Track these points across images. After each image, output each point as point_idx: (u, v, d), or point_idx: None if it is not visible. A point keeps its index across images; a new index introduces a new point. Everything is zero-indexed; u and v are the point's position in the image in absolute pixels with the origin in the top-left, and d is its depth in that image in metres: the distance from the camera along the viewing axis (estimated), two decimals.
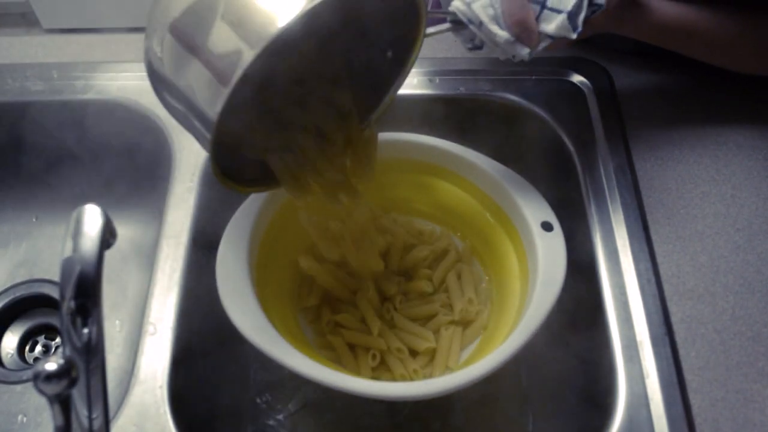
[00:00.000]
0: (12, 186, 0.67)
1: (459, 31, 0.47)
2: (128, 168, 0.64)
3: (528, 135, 0.60)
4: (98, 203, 0.31)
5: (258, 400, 0.55)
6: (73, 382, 0.29)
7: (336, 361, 0.51)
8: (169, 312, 0.48)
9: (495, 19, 0.44)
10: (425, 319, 0.53)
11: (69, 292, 0.28)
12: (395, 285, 0.54)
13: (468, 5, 0.44)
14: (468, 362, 0.50)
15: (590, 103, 0.59)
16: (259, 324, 0.42)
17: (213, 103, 0.34)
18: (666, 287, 0.48)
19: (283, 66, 0.42)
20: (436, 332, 0.52)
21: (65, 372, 0.28)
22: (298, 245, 0.54)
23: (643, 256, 0.50)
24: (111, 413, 0.43)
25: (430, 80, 0.61)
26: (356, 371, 0.50)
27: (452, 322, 0.52)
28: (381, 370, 0.51)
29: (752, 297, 0.48)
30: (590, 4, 0.44)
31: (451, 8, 0.45)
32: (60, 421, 0.30)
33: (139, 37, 0.56)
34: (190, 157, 0.56)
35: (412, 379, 0.50)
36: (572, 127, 0.58)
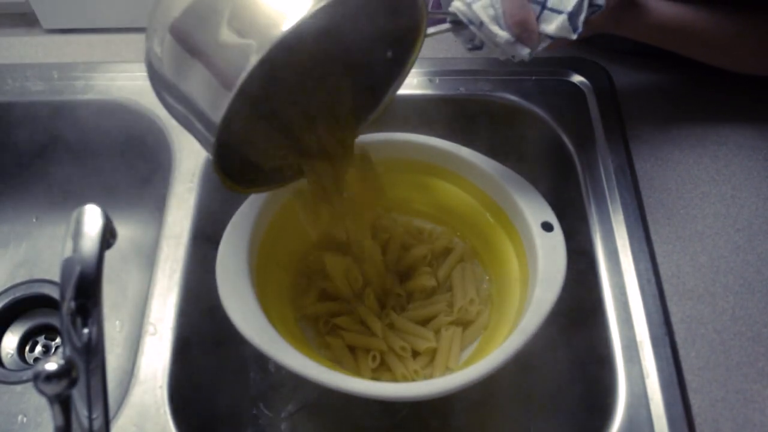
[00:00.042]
0: (12, 186, 0.67)
1: (459, 32, 0.47)
2: (128, 168, 0.64)
3: (528, 135, 0.60)
4: (98, 203, 0.31)
5: (258, 401, 0.55)
6: (73, 383, 0.29)
7: (336, 361, 0.51)
8: (169, 312, 0.48)
9: (495, 20, 0.44)
10: (425, 320, 0.53)
11: (69, 292, 0.28)
12: (397, 285, 0.54)
13: (468, 6, 0.44)
14: (468, 363, 0.50)
15: (590, 103, 0.59)
16: (259, 324, 0.42)
17: (216, 106, 0.34)
18: (666, 287, 0.48)
19: (283, 66, 0.42)
20: (437, 333, 0.52)
21: (65, 372, 0.28)
22: (298, 245, 0.54)
23: (643, 256, 0.50)
24: (111, 413, 0.43)
25: (430, 80, 0.61)
26: (356, 372, 0.50)
27: (452, 323, 0.52)
28: (381, 370, 0.51)
29: (752, 297, 0.48)
30: (590, 4, 0.44)
31: (451, 9, 0.45)
32: (60, 421, 0.30)
33: (139, 37, 0.56)
34: (190, 157, 0.56)
35: (412, 380, 0.50)
36: (572, 127, 0.58)
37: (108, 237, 0.30)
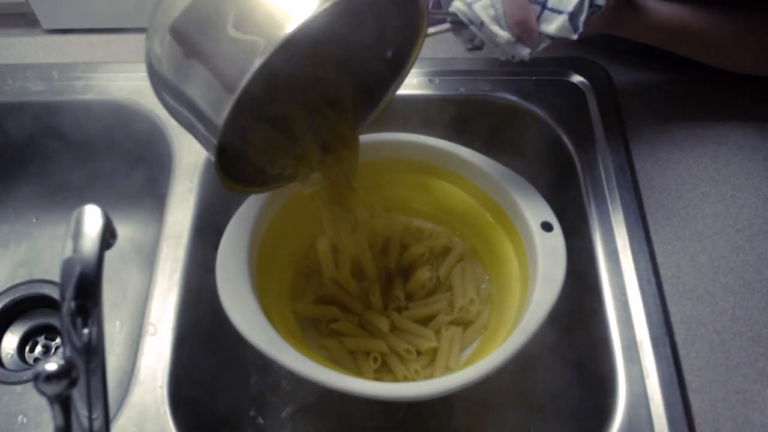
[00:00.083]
0: (12, 186, 0.67)
1: (459, 32, 0.47)
2: (128, 168, 0.64)
3: (528, 135, 0.60)
4: (98, 203, 0.31)
5: (258, 401, 0.55)
6: (73, 383, 0.29)
7: (336, 362, 0.51)
8: (169, 312, 0.48)
9: (496, 20, 0.44)
10: (425, 320, 0.53)
11: (69, 292, 0.28)
12: (398, 286, 0.54)
13: (469, 6, 0.44)
14: (468, 363, 0.50)
15: (590, 103, 0.59)
16: (259, 325, 0.42)
17: (218, 107, 0.33)
18: (666, 287, 0.48)
19: (283, 66, 0.42)
20: (437, 332, 0.52)
21: (65, 372, 0.28)
22: (298, 245, 0.54)
23: (643, 256, 0.50)
24: (111, 414, 0.43)
25: (430, 80, 0.61)
26: (358, 373, 0.50)
27: (452, 322, 0.52)
28: (382, 371, 0.51)
29: (752, 297, 0.48)
30: (591, 5, 0.44)
31: (451, 9, 0.45)
32: (60, 421, 0.30)
33: (139, 38, 0.56)
34: (190, 157, 0.56)
35: (413, 380, 0.50)
36: (572, 127, 0.58)
37: (108, 237, 0.30)
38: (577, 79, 0.61)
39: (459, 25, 0.45)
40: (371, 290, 0.52)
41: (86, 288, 0.29)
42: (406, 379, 0.50)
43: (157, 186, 0.61)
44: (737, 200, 0.53)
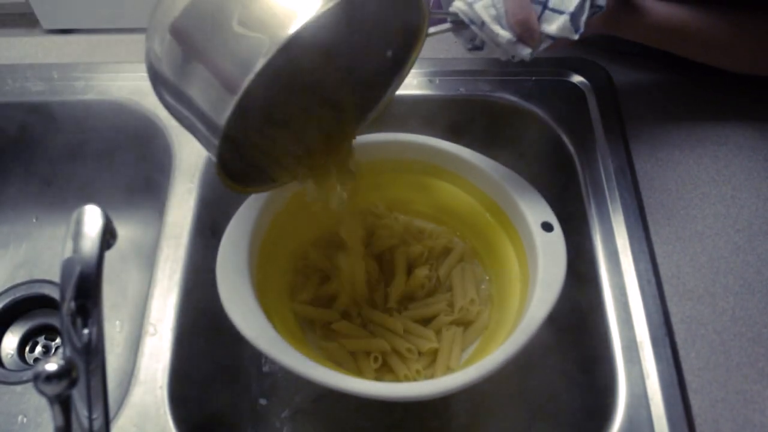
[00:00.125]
0: (12, 186, 0.66)
1: (460, 32, 0.47)
2: (128, 168, 0.64)
3: (528, 135, 0.60)
4: (98, 203, 0.31)
5: (258, 401, 0.55)
6: (73, 383, 0.29)
7: (336, 362, 0.51)
8: (169, 312, 0.48)
9: (497, 19, 0.44)
10: (426, 320, 0.53)
11: (69, 292, 0.28)
12: (399, 286, 0.54)
13: (470, 5, 0.44)
14: (469, 363, 0.50)
15: (590, 103, 0.59)
16: (260, 325, 0.42)
17: (220, 108, 0.33)
18: (666, 288, 0.48)
19: (284, 66, 0.42)
20: (437, 333, 0.52)
21: (65, 372, 0.28)
22: (298, 245, 0.54)
23: (643, 256, 0.50)
24: (111, 414, 0.43)
25: (430, 81, 0.61)
26: (359, 374, 0.50)
27: (453, 323, 0.52)
28: (383, 371, 0.51)
29: (752, 298, 0.48)
30: (592, 5, 0.44)
31: (452, 9, 0.45)
32: (60, 421, 0.30)
33: (139, 38, 0.56)
34: (190, 157, 0.56)
35: (415, 380, 0.50)
36: (572, 127, 0.58)
37: (108, 237, 0.30)
38: (577, 79, 0.61)
39: (460, 25, 0.45)
40: (374, 289, 0.52)
41: (86, 288, 0.29)
42: (407, 378, 0.50)
43: (157, 186, 0.60)
44: (737, 200, 0.53)
